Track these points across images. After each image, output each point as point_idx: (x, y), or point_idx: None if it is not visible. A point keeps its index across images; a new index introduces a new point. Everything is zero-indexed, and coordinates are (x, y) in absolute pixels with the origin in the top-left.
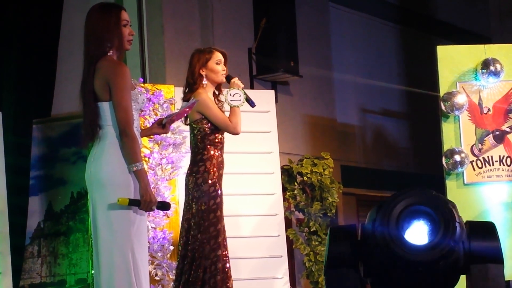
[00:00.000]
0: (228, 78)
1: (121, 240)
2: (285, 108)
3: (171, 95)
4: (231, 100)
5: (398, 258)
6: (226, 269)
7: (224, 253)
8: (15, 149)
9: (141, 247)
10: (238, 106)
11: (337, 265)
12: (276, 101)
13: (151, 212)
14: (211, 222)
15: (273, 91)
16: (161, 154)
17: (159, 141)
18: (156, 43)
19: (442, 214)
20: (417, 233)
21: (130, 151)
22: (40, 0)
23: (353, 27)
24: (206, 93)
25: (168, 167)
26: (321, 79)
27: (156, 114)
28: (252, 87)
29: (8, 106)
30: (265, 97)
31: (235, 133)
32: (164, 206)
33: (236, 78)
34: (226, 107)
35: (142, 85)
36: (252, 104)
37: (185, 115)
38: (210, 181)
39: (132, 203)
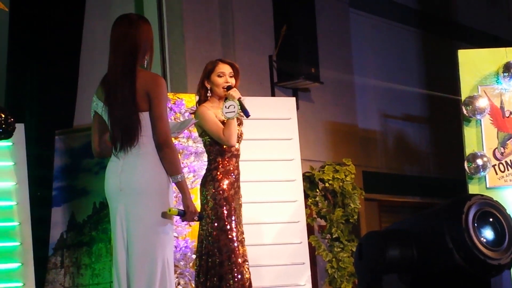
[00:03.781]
0: (228, 89)
1: (161, 250)
2: (306, 114)
3: (193, 103)
4: (226, 113)
5: (475, 262)
6: (241, 277)
7: (238, 261)
8: (38, 160)
9: (171, 256)
10: (231, 118)
11: (393, 270)
12: (297, 108)
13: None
14: (221, 231)
15: (294, 98)
16: (183, 163)
17: (180, 150)
18: (177, 52)
19: (506, 219)
20: (488, 237)
21: (173, 162)
22: (62, 9)
23: (373, 32)
24: (209, 106)
25: (190, 176)
26: (342, 85)
27: None
28: (273, 94)
29: (30, 118)
30: (286, 104)
31: (228, 145)
32: (200, 217)
33: (233, 89)
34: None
35: None
36: (246, 113)
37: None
38: (218, 191)
39: (180, 213)
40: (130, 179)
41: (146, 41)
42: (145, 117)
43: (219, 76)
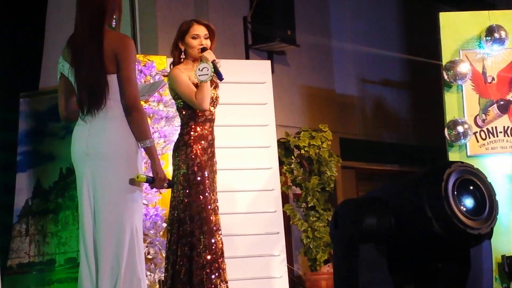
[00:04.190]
0: (202, 51)
1: (130, 218)
2: (282, 79)
3: (164, 66)
4: (199, 75)
5: (454, 232)
6: (214, 247)
7: (210, 229)
8: (2, 123)
9: (140, 224)
10: (205, 81)
11: (369, 240)
12: (273, 72)
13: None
14: (193, 199)
15: (269, 61)
16: (153, 128)
17: (150, 114)
18: (147, 12)
19: (487, 187)
20: (468, 205)
21: (142, 126)
22: None
23: None
24: (182, 68)
25: (161, 141)
26: (319, 49)
27: None
28: (247, 57)
29: None
30: (261, 68)
31: (200, 109)
32: (170, 184)
33: (208, 51)
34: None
35: None
36: (220, 76)
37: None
38: (190, 156)
39: (148, 180)
40: (97, 144)
41: (114, 1)
42: (112, 79)
43: (193, 38)
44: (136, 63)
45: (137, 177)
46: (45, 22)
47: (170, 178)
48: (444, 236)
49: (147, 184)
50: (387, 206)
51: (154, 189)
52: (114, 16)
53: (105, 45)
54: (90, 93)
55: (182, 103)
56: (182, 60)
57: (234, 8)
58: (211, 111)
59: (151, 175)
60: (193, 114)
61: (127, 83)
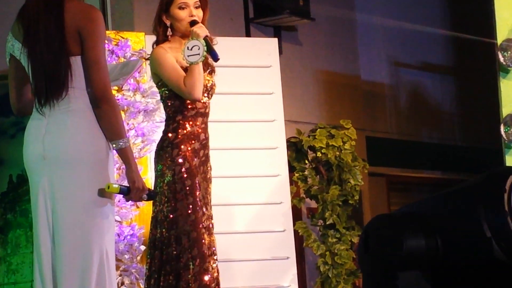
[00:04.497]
0: (192, 25)
1: (99, 239)
2: (292, 61)
3: (141, 45)
4: (188, 56)
5: None
6: (205, 276)
7: (202, 254)
8: None
9: (112, 247)
10: (195, 63)
11: (412, 266)
12: (280, 53)
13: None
14: (180, 214)
15: (276, 39)
16: (128, 124)
17: (125, 107)
18: None
19: None
20: None
21: (113, 122)
22: None
23: None
24: (168, 47)
25: (138, 141)
26: (339, 23)
27: None
28: (248, 34)
29: None
30: (265, 47)
31: (191, 99)
32: (151, 196)
33: (199, 25)
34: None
35: None
36: (214, 56)
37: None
38: (177, 159)
39: (122, 191)
40: (56, 144)
41: None
42: (76, 62)
43: (180, 8)
44: (106, 42)
45: (108, 187)
46: None
47: (151, 188)
48: (507, 261)
49: (121, 195)
50: (432, 224)
51: (130, 202)
52: None
53: (66, 19)
54: (48, 80)
55: (167, 91)
56: (168, 37)
57: None
58: (205, 103)
59: (125, 184)
60: (181, 106)
61: (95, 67)
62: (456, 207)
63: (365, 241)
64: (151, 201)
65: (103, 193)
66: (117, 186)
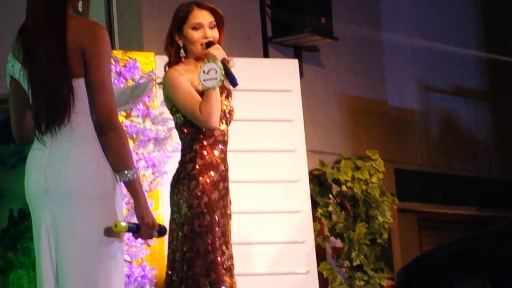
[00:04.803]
0: (208, 46)
1: (106, 280)
2: (314, 85)
3: (151, 66)
4: (204, 80)
5: None
6: None
7: None
8: None
9: None
10: (212, 88)
11: None
12: (301, 75)
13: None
14: (198, 253)
15: (296, 61)
16: (137, 153)
17: (134, 135)
18: None
19: None
20: None
21: (120, 151)
22: None
23: None
24: (182, 69)
25: (148, 173)
26: (365, 43)
27: None
28: (266, 55)
29: None
30: (285, 69)
31: (207, 127)
32: (162, 232)
33: (215, 47)
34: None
35: None
36: (233, 81)
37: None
38: (195, 192)
39: (131, 229)
40: (58, 176)
41: None
42: (79, 84)
43: (194, 28)
44: (113, 63)
45: (115, 226)
46: None
47: (162, 224)
48: None
49: (130, 233)
50: (480, 265)
51: (141, 240)
52: None
53: (69, 38)
54: (49, 105)
55: (182, 118)
56: (182, 59)
57: None
58: (223, 130)
59: (135, 220)
60: (198, 134)
61: (99, 90)
62: (503, 246)
63: (407, 284)
64: (164, 238)
65: (110, 231)
66: (125, 224)
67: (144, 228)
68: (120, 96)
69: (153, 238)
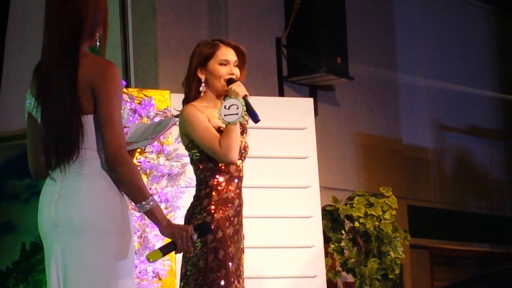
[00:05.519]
0: (229, 83)
1: None
2: (329, 123)
3: (166, 104)
4: (225, 115)
5: None
6: None
7: None
8: None
9: None
10: (233, 123)
11: None
12: (316, 114)
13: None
14: (213, 287)
15: (311, 99)
16: (150, 188)
17: (147, 171)
18: (144, 30)
19: None
20: None
21: (133, 185)
22: None
23: (426, 9)
24: (200, 105)
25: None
26: (380, 83)
27: None
28: (281, 94)
29: None
30: (300, 108)
31: (226, 161)
32: (202, 228)
33: (237, 83)
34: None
35: (125, 90)
36: (255, 117)
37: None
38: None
39: (167, 250)
40: (68, 210)
41: (95, 11)
42: (88, 121)
43: (221, 64)
44: (128, 100)
45: (150, 258)
46: (4, 42)
47: (193, 223)
48: None
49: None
50: None
51: (152, 274)
52: (97, 34)
53: (80, 74)
54: (58, 141)
55: (198, 154)
56: (201, 94)
57: (263, 26)
58: (238, 166)
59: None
60: (214, 170)
61: (108, 126)
62: None
63: None
64: (176, 272)
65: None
66: (157, 250)
67: (179, 242)
68: (145, 132)
69: (194, 244)
